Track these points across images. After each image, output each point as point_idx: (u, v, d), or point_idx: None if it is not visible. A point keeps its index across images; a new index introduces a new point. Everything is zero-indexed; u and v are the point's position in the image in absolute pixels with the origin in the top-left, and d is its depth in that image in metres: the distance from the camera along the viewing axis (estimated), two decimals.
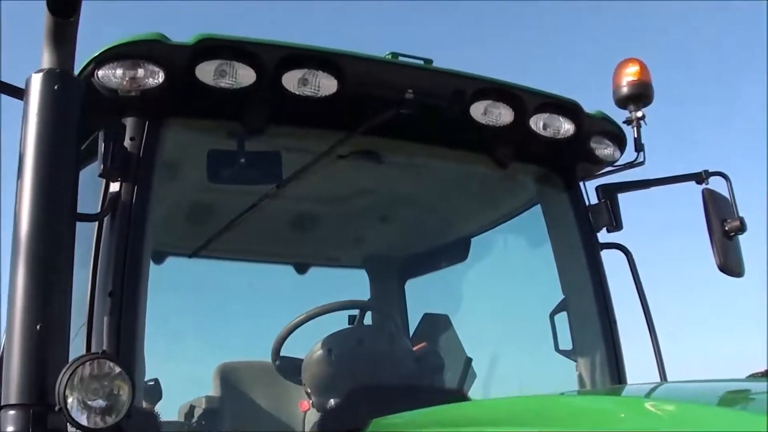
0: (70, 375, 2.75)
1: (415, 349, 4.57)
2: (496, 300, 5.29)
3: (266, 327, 5.82)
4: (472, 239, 5.48)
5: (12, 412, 2.79)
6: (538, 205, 4.76)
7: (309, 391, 4.33)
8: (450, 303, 5.54)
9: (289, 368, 4.54)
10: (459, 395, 4.23)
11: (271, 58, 3.68)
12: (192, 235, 5.16)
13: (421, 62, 4.05)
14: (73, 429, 2.85)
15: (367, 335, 4.51)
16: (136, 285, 3.48)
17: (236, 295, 5.87)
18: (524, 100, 4.14)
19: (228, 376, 5.17)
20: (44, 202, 3.00)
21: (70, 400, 2.73)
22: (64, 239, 3.03)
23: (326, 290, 6.02)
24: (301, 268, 6.01)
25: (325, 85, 3.76)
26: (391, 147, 4.32)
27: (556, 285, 4.58)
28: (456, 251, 5.54)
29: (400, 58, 4.01)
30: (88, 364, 2.80)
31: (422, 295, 6.00)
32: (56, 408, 2.74)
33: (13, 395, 2.80)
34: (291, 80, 3.72)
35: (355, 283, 6.08)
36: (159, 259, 5.35)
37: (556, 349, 4.51)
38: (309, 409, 4.46)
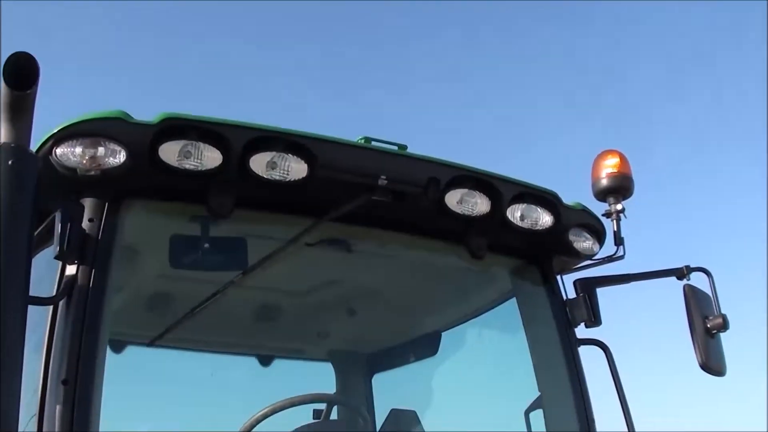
0: None
1: None
2: (468, 396, 5.10)
3: (230, 419, 5.60)
4: (443, 333, 5.32)
5: None
6: (514, 298, 4.61)
7: None
8: (419, 398, 5.34)
9: None
10: None
11: (239, 140, 3.53)
12: (153, 323, 4.93)
13: (395, 147, 3.94)
14: None
15: (335, 429, 4.29)
16: (91, 373, 3.26)
17: (198, 386, 5.62)
18: (501, 190, 4.03)
19: None
20: None
21: None
22: (13, 323, 2.84)
23: (291, 383, 5.82)
24: (265, 360, 5.79)
25: (295, 169, 3.62)
26: (362, 235, 4.18)
27: (531, 381, 4.40)
28: (426, 345, 5.38)
29: (373, 143, 3.89)
30: None
31: (389, 390, 5.80)
32: None
33: None
34: (259, 163, 3.58)
35: (321, 377, 5.87)
36: (118, 347, 5.14)
37: None
38: None
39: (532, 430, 4.35)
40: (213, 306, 4.70)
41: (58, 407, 3.15)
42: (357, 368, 5.79)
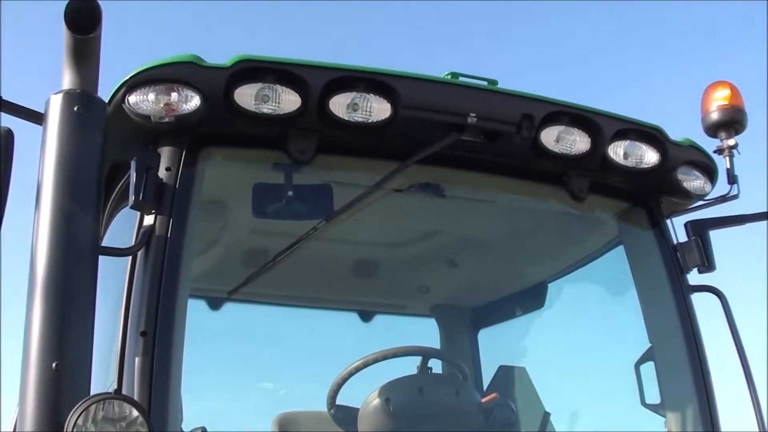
0: (80, 416, 2.46)
1: (483, 400, 4.16)
2: (576, 349, 4.85)
3: (329, 377, 5.51)
4: (548, 284, 5.07)
5: None
6: (621, 245, 4.34)
7: None
8: (526, 353, 5.16)
9: (345, 418, 4.20)
10: None
11: (317, 81, 3.36)
12: (241, 278, 4.83)
13: (485, 83, 3.70)
14: None
15: (429, 384, 4.11)
16: (171, 325, 3.16)
17: (299, 343, 5.54)
18: (601, 126, 3.75)
19: (288, 427, 4.81)
20: (64, 233, 2.77)
21: None
22: (84, 274, 2.79)
23: (392, 339, 5.68)
24: (366, 316, 5.65)
25: (377, 109, 3.44)
26: (453, 179, 3.95)
27: (641, 332, 4.12)
28: (532, 297, 5.13)
29: (461, 79, 3.66)
30: (100, 404, 2.50)
31: (496, 345, 5.59)
32: None
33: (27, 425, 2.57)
34: (339, 105, 3.41)
35: (424, 332, 5.70)
36: (216, 304, 5.10)
37: (643, 402, 4.05)
38: None
39: (643, 383, 4.07)
40: (310, 261, 4.58)
41: (137, 359, 3.06)
42: (461, 323, 5.59)
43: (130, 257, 3.26)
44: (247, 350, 5.22)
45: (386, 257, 5.04)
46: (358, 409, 4.09)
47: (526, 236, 4.69)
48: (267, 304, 5.31)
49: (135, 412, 2.54)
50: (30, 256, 2.79)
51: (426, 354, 4.21)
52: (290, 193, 3.56)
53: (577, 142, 3.74)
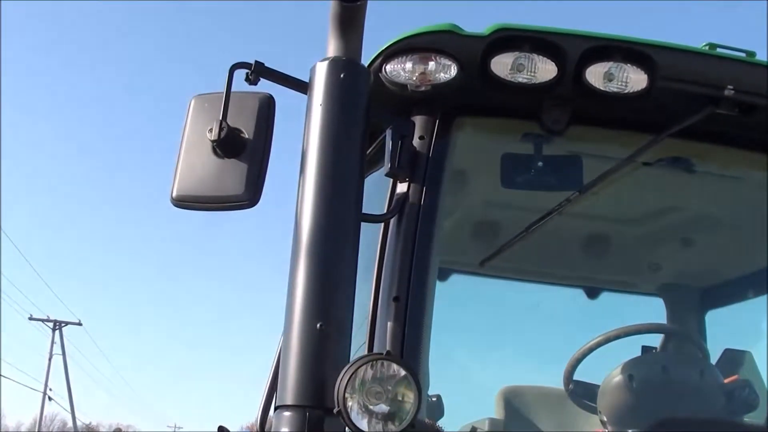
0: (351, 376, 2.54)
1: (726, 382, 4.04)
2: None
3: (552, 352, 5.46)
4: None
5: (287, 413, 2.65)
6: None
7: (605, 419, 3.93)
8: (754, 338, 4.95)
9: (583, 393, 4.18)
10: None
11: (574, 51, 3.33)
12: (477, 249, 4.84)
13: (743, 55, 3.56)
14: None
15: (672, 362, 4.04)
16: (423, 291, 3.22)
17: (522, 316, 5.52)
18: None
19: (512, 400, 4.83)
20: (330, 200, 2.86)
21: (350, 403, 2.51)
22: (349, 239, 2.88)
23: (618, 317, 5.58)
24: (592, 293, 5.56)
25: (634, 80, 3.37)
26: (704, 153, 3.86)
27: None
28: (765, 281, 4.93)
29: (719, 50, 3.54)
30: (371, 365, 2.57)
31: (723, 328, 5.40)
32: (335, 410, 2.53)
33: (289, 396, 2.66)
34: (596, 75, 3.36)
35: (650, 312, 5.56)
36: (442, 275, 5.14)
37: None
38: None
39: None
40: (540, 235, 4.56)
41: (389, 324, 3.13)
42: (689, 303, 5.42)
43: (382, 224, 3.34)
44: (471, 322, 5.25)
45: (620, 233, 4.95)
46: (597, 385, 4.06)
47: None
48: (494, 277, 5.29)
49: (402, 372, 2.59)
50: (294, 221, 2.90)
51: (668, 332, 4.13)
52: (540, 163, 3.56)
53: None
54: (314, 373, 2.66)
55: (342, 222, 2.86)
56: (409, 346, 3.09)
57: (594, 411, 4.14)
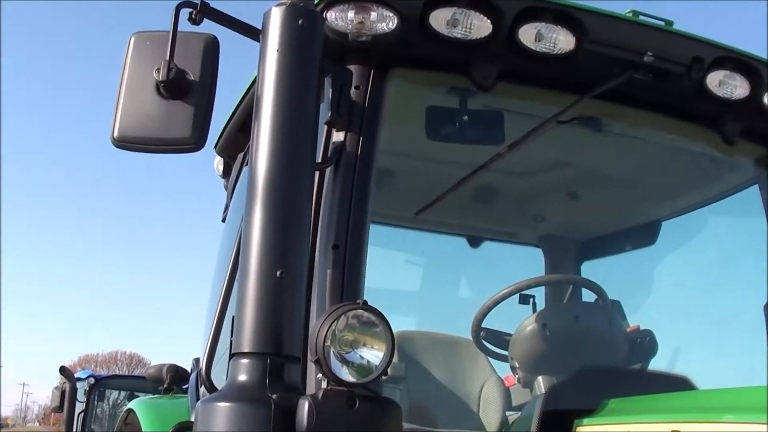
0: (331, 325, 2.56)
1: (629, 331, 4.30)
2: (690, 288, 4.96)
3: (437, 299, 5.62)
4: (662, 222, 5.17)
5: (246, 360, 2.63)
6: (751, 188, 4.43)
7: (516, 365, 4.11)
8: (631, 288, 5.24)
9: (494, 341, 4.33)
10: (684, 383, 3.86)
11: (510, 10, 3.42)
12: (388, 200, 4.89)
13: (662, 23, 3.76)
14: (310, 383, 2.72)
15: (584, 312, 4.25)
16: (361, 239, 3.25)
17: (407, 263, 5.65)
18: (762, 74, 3.83)
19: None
20: (286, 148, 2.83)
21: (328, 351, 2.53)
22: (305, 186, 2.87)
23: (498, 266, 5.80)
24: (475, 241, 5.74)
25: (562, 41, 3.49)
26: (617, 114, 4.05)
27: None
28: (644, 234, 5.23)
29: (641, 18, 3.71)
30: (347, 314, 2.60)
31: (599, 279, 5.69)
32: (313, 359, 2.56)
33: (247, 343, 2.63)
34: (527, 34, 3.46)
35: (529, 261, 5.79)
36: None
37: None
38: (515, 385, 4.24)
39: None
40: (433, 185, 4.67)
41: (328, 271, 3.16)
42: (568, 254, 5.66)
43: (317, 173, 3.34)
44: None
45: (510, 185, 5.13)
46: (509, 334, 4.22)
47: (660, 174, 4.77)
48: (384, 225, 5.38)
49: (377, 321, 2.62)
50: (250, 168, 2.88)
51: (578, 284, 4.33)
52: (465, 117, 3.64)
53: (738, 87, 3.82)
54: (274, 321, 2.66)
55: (300, 170, 2.84)
56: (348, 293, 3.12)
57: (502, 358, 4.31)
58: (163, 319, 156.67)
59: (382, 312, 2.65)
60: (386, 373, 2.59)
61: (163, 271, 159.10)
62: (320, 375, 2.56)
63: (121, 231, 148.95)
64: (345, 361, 2.57)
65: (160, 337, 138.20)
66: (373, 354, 2.59)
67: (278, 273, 2.68)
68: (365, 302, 2.63)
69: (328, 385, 2.53)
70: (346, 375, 2.55)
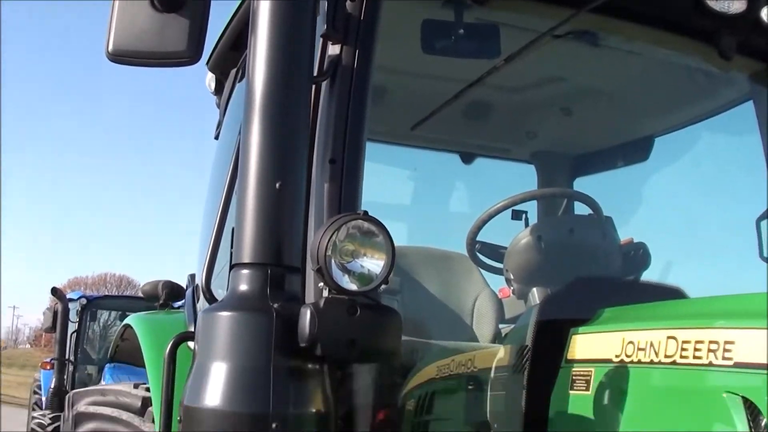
0: (332, 234, 2.57)
1: (622, 243, 4.35)
2: (683, 202, 5.00)
3: (431, 214, 5.64)
4: (655, 138, 5.18)
5: (246, 271, 2.64)
6: (741, 106, 4.45)
7: (511, 277, 4.17)
8: (623, 204, 5.27)
9: (489, 254, 4.37)
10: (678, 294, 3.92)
11: None
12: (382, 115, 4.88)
13: None
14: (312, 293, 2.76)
15: (579, 225, 4.29)
16: (358, 153, 3.26)
17: (400, 180, 5.67)
18: None
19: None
20: (283, 57, 2.79)
21: (330, 261, 2.55)
22: (302, 98, 2.85)
23: (491, 183, 5.82)
24: (467, 158, 5.75)
25: None
26: (612, 28, 4.02)
27: (762, 190, 4.26)
28: (637, 149, 5.24)
29: None
30: (348, 224, 2.61)
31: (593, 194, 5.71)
32: (314, 268, 2.58)
33: (248, 254, 2.64)
34: None
35: (522, 177, 5.81)
36: None
37: (761, 255, 4.22)
38: (509, 297, 4.30)
39: (765, 239, 4.23)
40: (428, 101, 4.66)
41: (325, 185, 3.17)
42: (560, 171, 5.69)
43: (313, 87, 3.33)
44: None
45: (503, 100, 5.13)
46: (504, 247, 4.26)
47: (655, 90, 4.78)
48: (379, 142, 5.37)
49: (379, 232, 2.64)
50: (246, 82, 2.85)
51: (572, 197, 4.36)
52: (460, 31, 3.62)
53: (735, 1, 3.81)
54: (273, 232, 2.67)
55: (296, 82, 2.81)
56: (345, 207, 3.13)
57: (496, 271, 4.35)
58: (152, 241, 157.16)
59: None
60: (387, 282, 2.62)
61: (151, 194, 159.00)
62: (321, 284, 2.58)
63: (107, 151, 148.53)
64: (346, 270, 2.59)
65: (149, 260, 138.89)
66: (373, 263, 2.61)
67: (277, 185, 2.68)
68: (366, 213, 2.64)
69: (329, 294, 2.56)
70: (348, 284, 2.57)
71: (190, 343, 2.83)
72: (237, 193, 2.79)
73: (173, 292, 5.68)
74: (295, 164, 2.76)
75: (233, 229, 2.76)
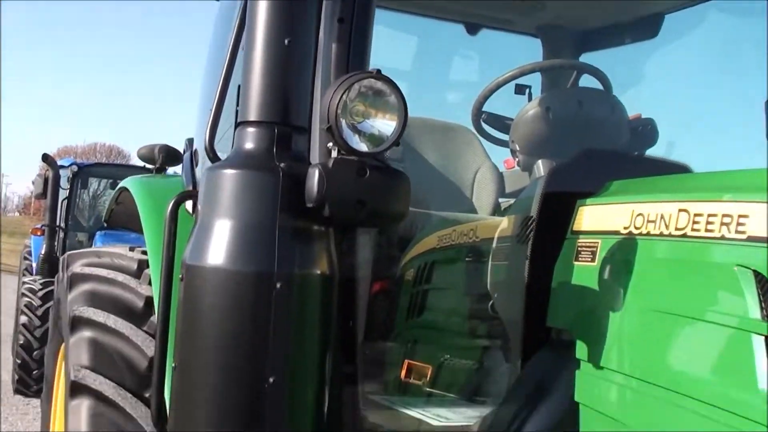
0: (343, 93, 2.49)
1: (631, 118, 4.29)
2: (691, 82, 4.92)
3: (434, 85, 5.55)
4: (668, 15, 5.06)
5: (252, 129, 2.57)
6: None
7: (517, 148, 4.11)
8: (628, 81, 5.19)
9: (495, 124, 4.31)
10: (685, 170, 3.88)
11: None
12: None
13: None
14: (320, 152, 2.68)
15: (588, 98, 4.22)
16: (367, 12, 3.14)
17: (404, 50, 5.55)
18: None
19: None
20: None
21: (343, 120, 2.48)
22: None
23: (496, 55, 5.72)
24: (472, 29, 5.62)
25: None
26: None
27: None
28: (646, 26, 5.12)
29: None
30: (363, 82, 2.52)
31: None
32: (325, 127, 2.51)
33: (254, 112, 2.57)
34: None
35: (527, 51, 5.69)
36: None
37: None
38: (514, 168, 4.26)
39: None
40: None
41: (333, 45, 3.04)
42: (566, 45, 5.53)
43: None
44: None
45: None
46: (510, 118, 4.20)
47: None
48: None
49: (392, 92, 2.55)
50: None
51: (580, 69, 4.28)
52: None
53: None
54: (281, 90, 2.59)
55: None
56: (353, 69, 3.04)
57: (500, 142, 4.30)
58: (142, 111, 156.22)
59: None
60: (398, 144, 2.55)
61: (141, 61, 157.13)
62: (330, 144, 2.52)
63: (98, 20, 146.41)
64: (356, 131, 2.52)
65: (139, 129, 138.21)
66: (384, 124, 2.54)
67: (286, 41, 2.60)
68: (378, 71, 2.55)
69: (338, 155, 2.50)
70: (358, 144, 2.50)
71: (188, 207, 2.78)
72: (244, 49, 2.70)
73: (169, 156, 5.61)
74: (304, 20, 2.68)
75: (239, 87, 2.68)
